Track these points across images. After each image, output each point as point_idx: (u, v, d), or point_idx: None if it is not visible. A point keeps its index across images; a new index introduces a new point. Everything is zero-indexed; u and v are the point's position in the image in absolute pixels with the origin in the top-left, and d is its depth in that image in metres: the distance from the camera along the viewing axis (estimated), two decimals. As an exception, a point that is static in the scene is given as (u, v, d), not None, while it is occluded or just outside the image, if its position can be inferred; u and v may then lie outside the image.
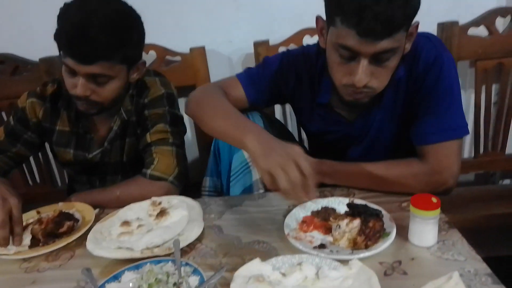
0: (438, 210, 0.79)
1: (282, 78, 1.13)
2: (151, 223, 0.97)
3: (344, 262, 0.76)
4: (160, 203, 1.02)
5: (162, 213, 0.97)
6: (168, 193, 1.08)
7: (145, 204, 1.03)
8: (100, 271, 0.84)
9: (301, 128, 1.41)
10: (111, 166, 1.26)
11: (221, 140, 1.09)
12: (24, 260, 0.91)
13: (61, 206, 1.07)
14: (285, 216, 0.94)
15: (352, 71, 0.88)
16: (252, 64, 1.55)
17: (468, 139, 1.72)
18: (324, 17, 0.93)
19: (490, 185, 1.75)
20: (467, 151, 1.75)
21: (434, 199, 0.80)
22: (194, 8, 1.56)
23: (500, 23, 1.51)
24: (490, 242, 1.35)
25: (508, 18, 1.49)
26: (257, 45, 1.51)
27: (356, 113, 1.09)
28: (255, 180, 1.09)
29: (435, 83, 0.95)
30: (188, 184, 1.26)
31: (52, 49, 1.51)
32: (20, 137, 1.23)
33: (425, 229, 0.80)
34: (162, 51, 1.54)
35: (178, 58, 1.56)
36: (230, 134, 0.92)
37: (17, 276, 0.87)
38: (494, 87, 1.57)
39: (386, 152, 1.09)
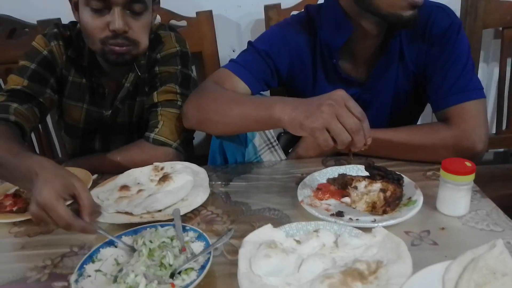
0: (473, 176, 0.71)
1: (276, 51, 1.01)
2: (153, 188, 0.89)
3: (366, 230, 0.68)
4: (162, 168, 0.94)
5: (164, 178, 0.90)
6: (172, 159, 0.99)
7: (147, 169, 0.95)
8: (96, 237, 0.77)
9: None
10: (118, 126, 1.16)
11: (226, 140, 1.00)
12: (14, 224, 0.84)
13: (56, 170, 0.99)
14: (297, 183, 0.86)
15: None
16: (262, 30, 1.45)
17: (489, 115, 1.63)
18: None
19: (510, 164, 1.66)
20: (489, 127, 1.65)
21: (468, 163, 0.71)
22: (202, -30, 1.46)
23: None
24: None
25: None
26: (267, 9, 1.41)
27: (367, 70, 0.99)
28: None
29: (453, 45, 0.91)
30: (191, 155, 1.18)
31: (50, 11, 1.45)
32: (47, 82, 1.07)
33: (457, 196, 0.72)
34: (167, 15, 1.45)
35: (183, 22, 1.46)
36: (254, 117, 0.82)
37: (5, 240, 0.80)
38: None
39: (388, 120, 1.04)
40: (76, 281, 0.62)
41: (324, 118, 0.69)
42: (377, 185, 0.77)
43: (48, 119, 1.59)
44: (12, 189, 0.94)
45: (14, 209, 0.87)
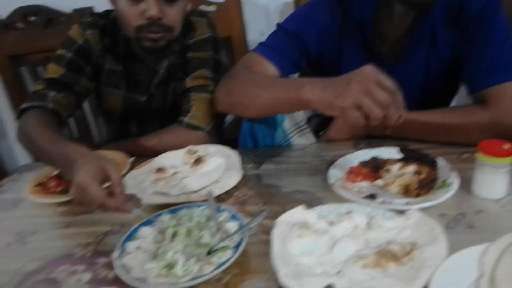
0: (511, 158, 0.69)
1: (304, 31, 1.00)
2: (187, 171, 0.92)
3: (399, 213, 0.68)
4: (196, 152, 0.97)
5: (198, 161, 0.92)
6: (204, 143, 1.02)
7: (181, 152, 0.98)
8: (134, 217, 0.80)
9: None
10: (152, 112, 1.20)
11: (257, 123, 1.02)
12: (58, 204, 0.89)
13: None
14: (329, 166, 0.86)
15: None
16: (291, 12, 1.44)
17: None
18: None
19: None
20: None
21: (506, 145, 0.70)
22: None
23: None
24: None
25: None
26: (297, -9, 1.40)
27: (396, 52, 0.97)
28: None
29: (491, 24, 0.87)
30: (222, 139, 1.20)
31: (84, 0, 1.49)
32: (83, 70, 1.10)
33: (495, 179, 0.70)
34: (197, 0, 1.46)
35: (212, 8, 1.47)
36: (284, 100, 0.82)
37: (52, 219, 0.85)
38: None
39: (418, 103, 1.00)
40: (119, 257, 0.66)
41: (354, 96, 0.68)
42: (411, 168, 0.76)
43: (86, 105, 1.64)
44: (56, 171, 0.99)
45: (58, 190, 0.92)
